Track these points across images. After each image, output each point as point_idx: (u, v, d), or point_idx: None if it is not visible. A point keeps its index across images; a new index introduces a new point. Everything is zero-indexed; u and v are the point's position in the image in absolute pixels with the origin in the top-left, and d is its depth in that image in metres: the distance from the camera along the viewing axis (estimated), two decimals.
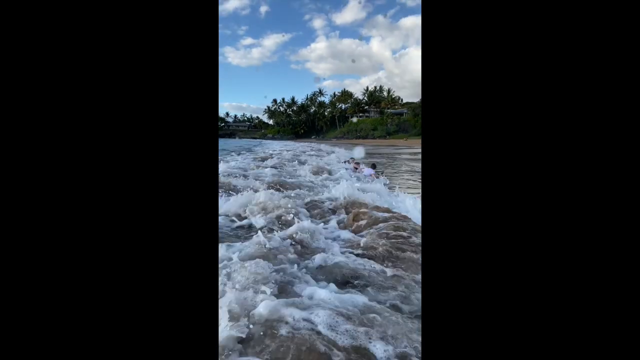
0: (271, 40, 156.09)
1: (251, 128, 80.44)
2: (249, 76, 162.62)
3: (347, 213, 3.30)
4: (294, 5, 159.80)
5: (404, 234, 2.50)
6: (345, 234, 2.74)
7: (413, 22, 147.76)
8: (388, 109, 58.42)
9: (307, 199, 4.01)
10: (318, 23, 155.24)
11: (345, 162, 10.22)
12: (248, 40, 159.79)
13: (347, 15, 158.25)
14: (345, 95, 67.48)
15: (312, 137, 63.58)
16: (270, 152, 15.68)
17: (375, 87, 65.38)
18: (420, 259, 1.99)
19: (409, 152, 19.70)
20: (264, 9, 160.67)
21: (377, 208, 3.24)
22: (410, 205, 3.89)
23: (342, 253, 2.28)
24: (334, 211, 3.49)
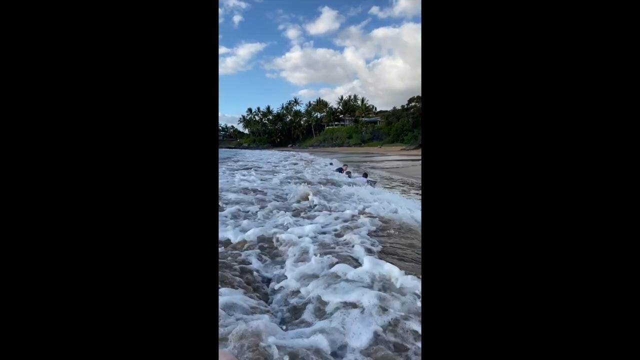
0: (245, 50, 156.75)
1: (226, 137, 79.74)
2: (223, 85, 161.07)
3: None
4: (267, 15, 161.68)
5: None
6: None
7: (384, 34, 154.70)
8: (362, 117, 60.34)
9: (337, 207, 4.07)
10: (292, 33, 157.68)
11: (338, 169, 9.99)
12: (222, 50, 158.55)
13: (321, 25, 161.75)
14: (321, 104, 69.11)
15: (289, 145, 64.55)
16: (253, 162, 15.47)
17: (350, 97, 67.32)
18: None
19: (377, 160, 19.79)
20: (237, 18, 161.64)
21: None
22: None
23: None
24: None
